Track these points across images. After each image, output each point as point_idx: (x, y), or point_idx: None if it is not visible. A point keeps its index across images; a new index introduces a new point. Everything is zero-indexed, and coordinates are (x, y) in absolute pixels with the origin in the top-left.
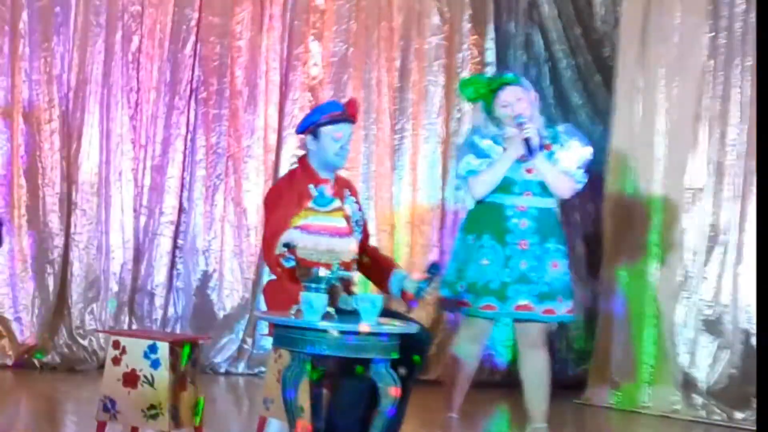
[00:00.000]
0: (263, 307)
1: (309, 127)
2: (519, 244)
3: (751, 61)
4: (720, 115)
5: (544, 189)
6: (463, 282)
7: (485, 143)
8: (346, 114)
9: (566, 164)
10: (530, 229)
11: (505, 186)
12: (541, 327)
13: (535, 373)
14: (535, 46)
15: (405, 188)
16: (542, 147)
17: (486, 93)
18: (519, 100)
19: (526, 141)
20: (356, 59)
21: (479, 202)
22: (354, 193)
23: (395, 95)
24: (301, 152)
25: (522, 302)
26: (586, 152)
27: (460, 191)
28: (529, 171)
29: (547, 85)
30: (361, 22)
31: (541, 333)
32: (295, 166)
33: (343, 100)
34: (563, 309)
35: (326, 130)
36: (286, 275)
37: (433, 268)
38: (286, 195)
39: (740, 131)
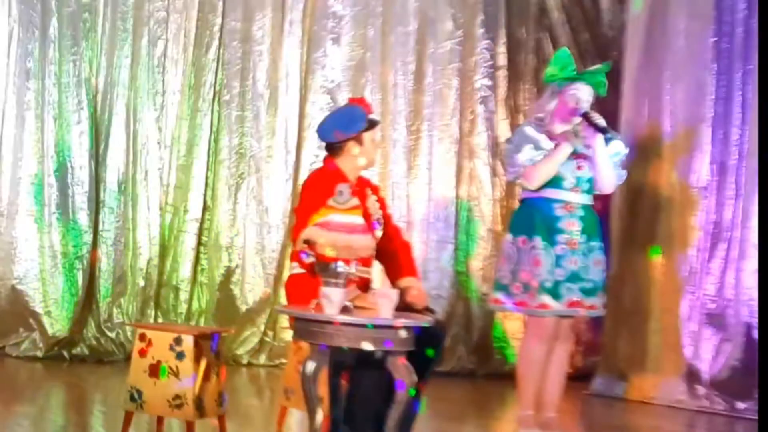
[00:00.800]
0: (285, 301)
1: (356, 133)
2: (569, 243)
3: (752, 64)
4: (723, 116)
5: (591, 186)
6: (518, 283)
7: (540, 136)
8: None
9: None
10: (578, 230)
11: (556, 180)
12: (572, 321)
13: (560, 365)
14: (545, 50)
15: (420, 187)
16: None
17: (568, 74)
18: (587, 101)
19: (595, 125)
20: (373, 63)
21: (526, 203)
22: (375, 191)
23: (410, 98)
24: (320, 152)
25: (574, 299)
26: (625, 151)
27: (518, 180)
28: (579, 168)
29: None
30: (378, 27)
31: (572, 327)
32: (320, 165)
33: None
34: (601, 304)
35: (368, 136)
36: (306, 270)
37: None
38: (314, 192)
39: (743, 132)
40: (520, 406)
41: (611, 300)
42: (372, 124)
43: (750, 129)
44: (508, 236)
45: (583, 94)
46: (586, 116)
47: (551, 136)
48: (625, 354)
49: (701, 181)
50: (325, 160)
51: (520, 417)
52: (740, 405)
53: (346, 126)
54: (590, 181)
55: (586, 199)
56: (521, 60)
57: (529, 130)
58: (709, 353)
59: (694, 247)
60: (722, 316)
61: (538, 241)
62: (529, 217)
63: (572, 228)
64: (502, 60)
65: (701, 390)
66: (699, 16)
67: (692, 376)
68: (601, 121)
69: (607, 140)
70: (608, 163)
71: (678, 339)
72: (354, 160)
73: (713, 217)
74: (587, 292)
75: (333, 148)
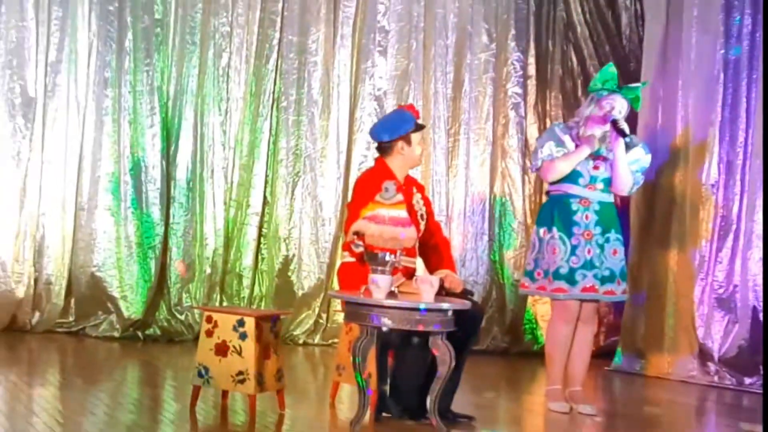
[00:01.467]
0: (337, 286)
1: (405, 134)
2: (584, 235)
3: (757, 74)
4: (730, 120)
5: (606, 185)
6: (539, 269)
7: (565, 137)
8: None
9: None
10: (593, 222)
11: (573, 177)
12: (595, 305)
13: (584, 344)
14: (570, 61)
15: (458, 184)
16: (629, 145)
17: (609, 87)
18: (620, 112)
19: (620, 130)
20: (416, 73)
21: (550, 198)
22: (420, 189)
23: (449, 104)
24: (367, 152)
25: (588, 285)
26: (647, 160)
27: (537, 172)
28: (596, 168)
29: (580, 95)
30: (420, 40)
31: (594, 310)
32: (370, 165)
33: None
34: (620, 290)
35: (415, 137)
36: (356, 258)
37: None
38: (364, 189)
39: (748, 135)
40: (548, 381)
41: (631, 286)
42: (419, 127)
43: (755, 132)
44: (534, 228)
45: (618, 104)
46: (614, 122)
47: (579, 139)
48: (643, 334)
49: (711, 179)
50: (376, 160)
51: (548, 390)
52: (747, 380)
53: (396, 127)
54: (606, 180)
55: (603, 196)
56: (548, 70)
57: (557, 130)
58: (719, 334)
59: (704, 238)
60: (730, 300)
61: (555, 232)
62: (551, 210)
63: (587, 221)
64: (531, 70)
65: (712, 367)
66: (709, 31)
67: (704, 354)
68: (625, 128)
69: (628, 146)
70: (625, 167)
71: (691, 321)
72: (402, 159)
73: (722, 212)
74: (603, 279)
75: (383, 148)
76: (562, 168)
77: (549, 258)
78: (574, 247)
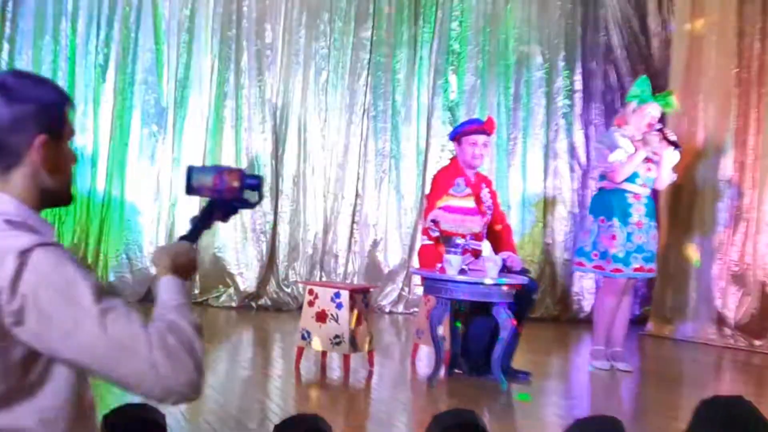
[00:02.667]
0: (417, 264)
1: (456, 135)
2: (637, 224)
3: (765, 89)
4: (742, 128)
5: (652, 183)
6: (596, 251)
7: (624, 141)
8: (483, 128)
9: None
10: (643, 213)
11: (631, 176)
12: (634, 281)
13: (624, 312)
14: (611, 78)
15: (517, 180)
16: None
17: (647, 96)
18: (657, 117)
19: (670, 140)
20: (482, 88)
21: (605, 192)
22: (489, 185)
23: (510, 113)
24: (441, 153)
25: (638, 265)
26: (676, 156)
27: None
28: (648, 170)
29: (619, 106)
30: (486, 60)
31: (631, 285)
32: (445, 164)
33: (484, 118)
34: (656, 268)
35: (466, 139)
36: (433, 241)
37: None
38: (439, 184)
39: (757, 139)
40: (594, 342)
41: (661, 264)
42: (468, 132)
43: (763, 137)
44: (590, 217)
45: (656, 111)
46: (661, 131)
47: (634, 143)
48: (670, 305)
49: (726, 176)
50: (451, 159)
51: (593, 350)
52: (757, 342)
53: (455, 130)
54: (653, 179)
55: (649, 192)
56: (592, 85)
57: (619, 137)
58: (734, 304)
59: (721, 224)
60: (743, 277)
61: (615, 221)
62: (608, 202)
63: (640, 212)
64: (578, 85)
65: (728, 331)
66: (725, 53)
67: (721, 321)
68: (674, 137)
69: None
70: (670, 169)
71: (710, 293)
72: (461, 157)
73: (735, 203)
74: (647, 260)
75: (456, 146)
76: (628, 170)
77: (607, 243)
78: (629, 234)
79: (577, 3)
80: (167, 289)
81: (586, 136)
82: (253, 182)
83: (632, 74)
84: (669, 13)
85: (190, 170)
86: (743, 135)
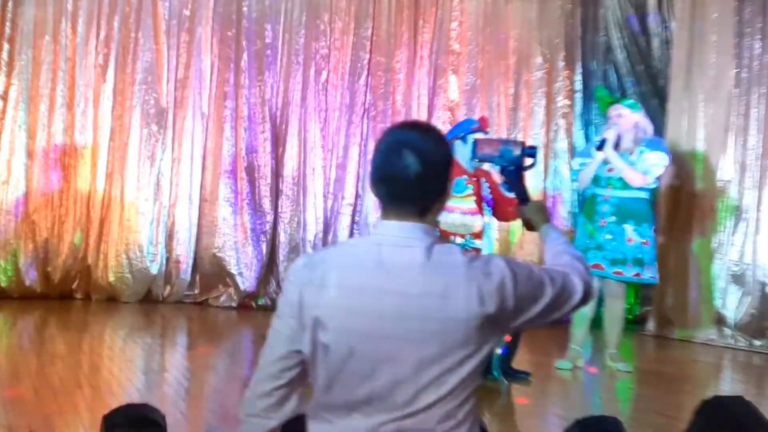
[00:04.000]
0: None
1: (458, 135)
2: (600, 222)
3: (765, 89)
4: (743, 128)
5: (624, 183)
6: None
7: (592, 149)
8: (480, 127)
9: (647, 165)
10: (609, 212)
11: (596, 180)
12: (621, 285)
13: (612, 315)
14: (610, 78)
15: None
16: (600, 147)
17: (607, 104)
18: (618, 116)
19: (602, 140)
20: (482, 88)
21: (587, 193)
22: (489, 180)
23: (510, 114)
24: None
25: (594, 263)
26: (663, 160)
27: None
28: (609, 170)
29: None
30: (486, 61)
31: (620, 288)
32: None
33: (477, 117)
34: (631, 273)
35: (469, 138)
36: None
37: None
38: None
39: (758, 140)
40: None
41: (660, 265)
42: (473, 132)
43: (763, 137)
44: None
45: (613, 112)
46: (602, 139)
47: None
48: (671, 305)
49: (726, 176)
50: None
51: (570, 350)
52: (756, 342)
53: (451, 131)
54: (621, 179)
55: (621, 193)
56: (592, 86)
57: (587, 145)
58: (734, 304)
59: (722, 224)
60: (743, 277)
61: (582, 219)
62: (585, 204)
63: (604, 211)
64: (578, 86)
65: (727, 331)
66: (725, 53)
67: (721, 321)
68: (610, 140)
69: (599, 148)
70: (624, 168)
71: (710, 293)
72: (459, 157)
73: (736, 203)
74: (613, 261)
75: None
76: (584, 176)
77: (576, 240)
78: (591, 232)
79: (577, 3)
80: (557, 233)
81: (586, 136)
82: (531, 151)
83: (633, 74)
84: (669, 13)
85: (475, 143)
86: (743, 135)
